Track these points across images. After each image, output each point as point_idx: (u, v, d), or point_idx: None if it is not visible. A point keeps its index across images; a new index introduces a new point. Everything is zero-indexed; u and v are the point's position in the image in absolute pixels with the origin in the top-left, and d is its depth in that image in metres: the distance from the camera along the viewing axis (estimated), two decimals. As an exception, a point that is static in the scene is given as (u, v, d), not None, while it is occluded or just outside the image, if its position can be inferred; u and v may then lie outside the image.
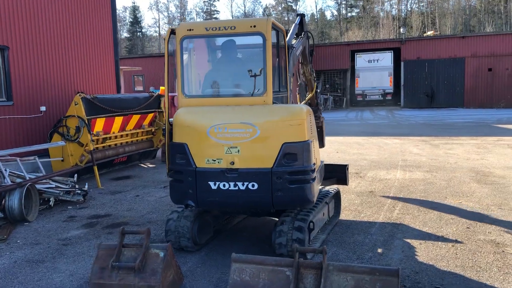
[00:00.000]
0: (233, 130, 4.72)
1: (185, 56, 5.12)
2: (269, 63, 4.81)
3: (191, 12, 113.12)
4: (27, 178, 7.25)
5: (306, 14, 6.18)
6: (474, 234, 5.79)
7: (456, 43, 31.00)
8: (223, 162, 4.76)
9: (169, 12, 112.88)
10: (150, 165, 11.83)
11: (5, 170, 7.14)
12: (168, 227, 5.37)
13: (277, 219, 5.75)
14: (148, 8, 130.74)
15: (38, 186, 7.33)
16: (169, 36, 5.06)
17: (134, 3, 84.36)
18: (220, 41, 5.30)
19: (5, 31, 9.37)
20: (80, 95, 9.16)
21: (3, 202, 6.61)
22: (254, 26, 4.90)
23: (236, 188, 4.74)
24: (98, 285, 4.12)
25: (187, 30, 5.04)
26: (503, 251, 5.16)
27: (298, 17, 6.91)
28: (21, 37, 9.79)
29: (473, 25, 68.97)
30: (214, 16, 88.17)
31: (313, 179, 4.90)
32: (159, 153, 12.68)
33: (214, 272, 4.82)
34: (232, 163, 4.73)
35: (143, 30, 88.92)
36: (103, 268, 4.17)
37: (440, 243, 5.51)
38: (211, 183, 4.79)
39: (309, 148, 4.85)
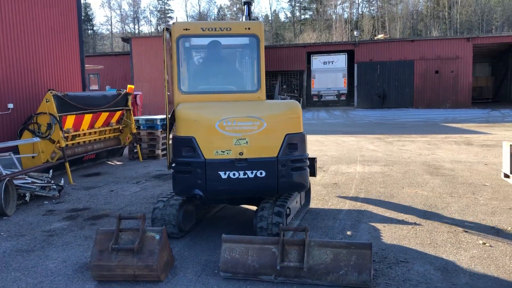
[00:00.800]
0: (241, 123, 5.20)
1: (181, 55, 5.49)
2: (262, 62, 5.29)
3: (144, 10, 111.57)
4: (4, 174, 7.32)
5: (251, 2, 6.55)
6: (430, 217, 6.49)
7: (406, 46, 32.66)
8: (232, 153, 5.23)
9: (122, 10, 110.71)
10: (118, 163, 11.97)
11: (-18, 165, 7.19)
12: (155, 215, 5.70)
13: (252, 208, 6.27)
14: (100, 5, 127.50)
15: (14, 182, 7.41)
16: (165, 35, 5.41)
17: (85, 0, 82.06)
18: (214, 41, 5.70)
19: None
20: (51, 92, 9.23)
21: (-18, 196, 6.69)
22: (249, 28, 5.40)
23: (246, 176, 5.23)
24: (99, 266, 4.42)
25: (183, 29, 5.44)
26: (455, 231, 5.86)
27: (245, 6, 6.62)
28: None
29: (420, 29, 72.36)
30: (168, 15, 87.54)
31: (307, 166, 5.52)
32: (125, 151, 12.83)
33: (201, 255, 5.21)
34: (241, 153, 5.22)
35: (94, 28, 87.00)
36: (102, 251, 4.48)
37: (401, 225, 6.16)
38: (221, 173, 5.23)
39: (305, 138, 5.55)
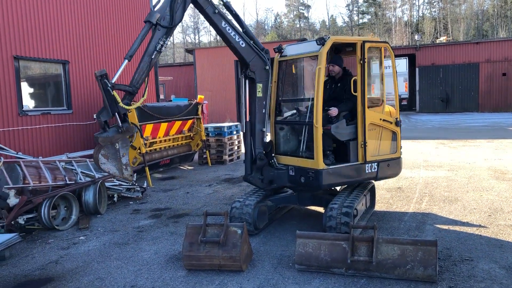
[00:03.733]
0: None
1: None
2: None
3: (204, 21, 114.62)
4: (96, 177, 8.25)
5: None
6: (495, 220, 6.64)
7: (470, 49, 31.70)
8: None
9: (183, 21, 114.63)
10: (189, 167, 12.81)
11: (79, 169, 8.15)
12: (232, 214, 6.30)
13: (319, 209, 6.75)
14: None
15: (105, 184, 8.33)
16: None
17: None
18: None
19: (66, 47, 10.50)
20: (133, 103, 10.15)
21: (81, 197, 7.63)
22: None
23: None
24: (189, 256, 5.07)
25: None
26: (521, 233, 6.02)
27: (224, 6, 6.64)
28: (79, 51, 10.91)
29: (485, 29, 69.37)
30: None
31: None
32: (196, 156, 13.68)
33: (276, 250, 5.74)
34: None
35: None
36: (191, 243, 5.12)
37: (465, 227, 6.37)
38: None
39: None
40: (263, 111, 6.59)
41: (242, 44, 6.43)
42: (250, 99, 6.64)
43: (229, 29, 6.33)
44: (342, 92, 6.72)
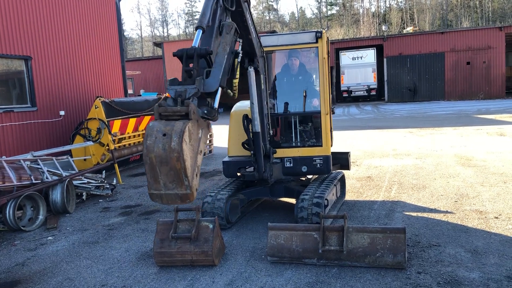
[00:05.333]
0: None
1: None
2: None
3: (172, 14, 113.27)
4: (64, 176, 8.05)
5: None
6: (461, 205, 6.82)
7: (435, 38, 32.41)
8: None
9: (151, 15, 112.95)
10: (160, 163, 12.64)
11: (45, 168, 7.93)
12: (204, 209, 6.26)
13: (290, 201, 6.80)
14: (130, 10, 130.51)
15: (73, 182, 8.14)
16: None
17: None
18: None
19: (29, 43, 10.17)
20: (99, 99, 9.98)
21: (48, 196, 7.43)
22: None
23: None
24: (161, 253, 5.01)
25: None
26: (485, 217, 6.19)
27: None
28: (42, 48, 10.58)
29: (450, 19, 71.03)
30: (196, 17, 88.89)
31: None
32: (166, 151, 13.50)
33: (248, 243, 5.73)
34: None
35: (125, 33, 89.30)
36: (163, 239, 5.06)
37: (433, 213, 6.52)
38: None
39: None
40: (265, 103, 6.27)
41: (254, 34, 5.72)
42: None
43: (249, 19, 5.47)
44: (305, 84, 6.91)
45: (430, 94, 32.66)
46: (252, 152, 6.15)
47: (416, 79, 32.85)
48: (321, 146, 6.53)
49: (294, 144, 6.76)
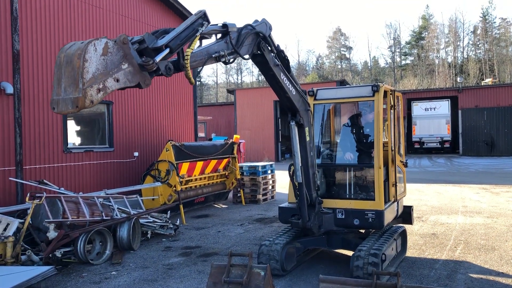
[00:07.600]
0: None
1: None
2: None
3: (247, 62, 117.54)
4: (132, 214, 8.54)
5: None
6: (533, 271, 6.36)
7: (516, 91, 30.91)
8: None
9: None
10: (223, 206, 12.98)
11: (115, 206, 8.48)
12: (261, 250, 6.38)
13: (347, 253, 6.70)
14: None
15: (140, 221, 8.60)
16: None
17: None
18: None
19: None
20: (171, 142, 10.58)
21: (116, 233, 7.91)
22: None
23: None
24: (213, 296, 5.15)
25: None
26: (560, 287, 5.73)
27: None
28: (122, 93, 11.53)
29: (534, 71, 67.37)
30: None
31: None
32: (230, 195, 13.86)
33: (300, 294, 5.73)
34: None
35: (202, 80, 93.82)
36: (215, 282, 5.21)
37: (501, 278, 6.14)
38: None
39: None
40: (312, 154, 6.55)
41: (293, 91, 6.16)
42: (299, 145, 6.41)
43: (285, 80, 5.98)
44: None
45: (509, 149, 30.81)
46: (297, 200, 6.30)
47: (493, 133, 31.25)
48: (373, 200, 6.46)
49: (347, 196, 6.76)
